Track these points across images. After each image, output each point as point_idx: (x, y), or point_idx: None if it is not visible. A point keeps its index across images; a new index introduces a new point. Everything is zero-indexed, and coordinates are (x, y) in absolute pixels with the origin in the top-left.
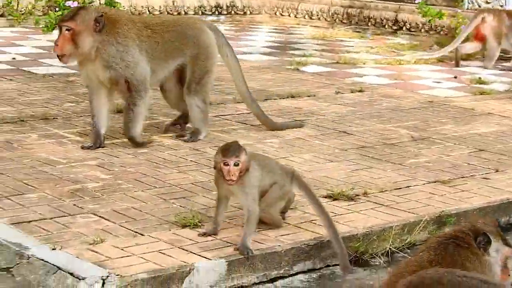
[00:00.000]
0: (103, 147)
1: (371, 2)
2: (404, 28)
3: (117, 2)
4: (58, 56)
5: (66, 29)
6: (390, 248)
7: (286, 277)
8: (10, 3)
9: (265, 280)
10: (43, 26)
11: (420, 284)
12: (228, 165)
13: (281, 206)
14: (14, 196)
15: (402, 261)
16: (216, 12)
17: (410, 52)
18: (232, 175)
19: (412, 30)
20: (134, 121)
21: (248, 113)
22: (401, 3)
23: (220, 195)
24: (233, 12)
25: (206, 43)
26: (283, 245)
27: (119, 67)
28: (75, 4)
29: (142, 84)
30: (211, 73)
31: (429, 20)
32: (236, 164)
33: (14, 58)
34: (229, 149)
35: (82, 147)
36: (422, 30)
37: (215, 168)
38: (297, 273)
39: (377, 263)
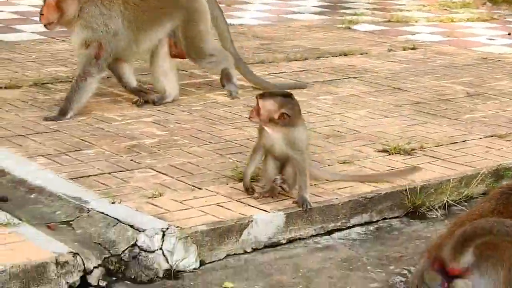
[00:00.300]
0: None
1: None
2: None
3: None
4: (44, 25)
5: None
6: (447, 201)
7: (343, 229)
8: None
9: (323, 232)
10: None
11: (473, 233)
12: (256, 104)
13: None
14: (72, 152)
15: (462, 212)
16: None
17: (463, 10)
18: (251, 111)
19: None
20: (78, 94)
21: (302, 70)
22: None
23: (263, 146)
24: None
25: (196, 7)
26: (340, 198)
27: (99, 29)
28: None
29: (109, 57)
30: (205, 35)
31: None
32: (258, 106)
33: None
34: (265, 92)
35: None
36: None
37: None
38: (354, 226)
39: (434, 216)
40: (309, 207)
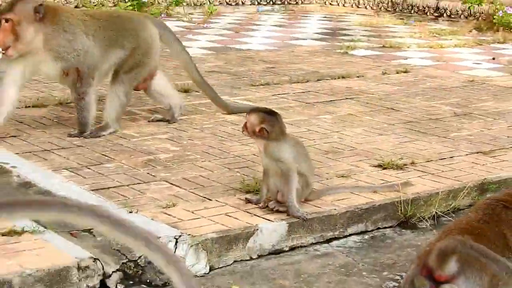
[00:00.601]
0: None
1: None
2: (444, 14)
3: None
4: (2, 52)
5: (5, 21)
6: (436, 212)
7: (340, 238)
8: None
9: (322, 240)
10: None
11: (449, 247)
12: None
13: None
14: (93, 166)
15: (450, 222)
16: (271, 2)
17: (451, 37)
18: (244, 126)
19: (452, 16)
20: (86, 110)
21: (303, 92)
22: None
23: (262, 165)
24: (286, 2)
25: (147, 38)
26: (338, 209)
27: (70, 56)
28: None
29: (92, 72)
30: (143, 67)
31: (469, 7)
32: (247, 121)
33: None
34: (253, 108)
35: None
36: (462, 16)
37: None
38: (350, 235)
39: (424, 226)
40: (303, 216)
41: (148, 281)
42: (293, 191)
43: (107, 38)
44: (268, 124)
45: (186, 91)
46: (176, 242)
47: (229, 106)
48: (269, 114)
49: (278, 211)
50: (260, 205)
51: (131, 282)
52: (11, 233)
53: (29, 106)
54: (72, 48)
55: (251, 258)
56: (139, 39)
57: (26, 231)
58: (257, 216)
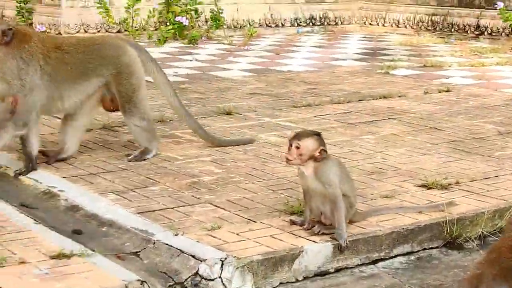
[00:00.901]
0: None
1: (454, 9)
2: (485, 33)
3: (222, 16)
4: None
5: None
6: (482, 232)
7: (386, 259)
8: (126, 20)
9: (367, 262)
10: (156, 39)
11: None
12: (291, 146)
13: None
14: (139, 189)
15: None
16: (310, 24)
17: (492, 55)
18: (289, 155)
19: (493, 34)
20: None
21: (345, 112)
22: (482, 10)
23: (302, 186)
24: (325, 23)
25: (127, 61)
26: (383, 230)
27: (14, 83)
28: (184, 19)
29: (24, 114)
30: (140, 89)
31: (510, 25)
32: (297, 147)
33: None
34: (299, 133)
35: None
36: (503, 34)
37: None
38: (396, 256)
39: (470, 246)
40: (344, 244)
41: None
42: (343, 217)
43: (77, 71)
44: (324, 146)
45: (228, 113)
46: (222, 264)
47: (215, 138)
48: (319, 135)
49: (323, 234)
50: (305, 226)
51: None
52: (60, 256)
53: None
54: (18, 77)
55: (297, 280)
56: (120, 65)
57: (75, 254)
58: (302, 237)
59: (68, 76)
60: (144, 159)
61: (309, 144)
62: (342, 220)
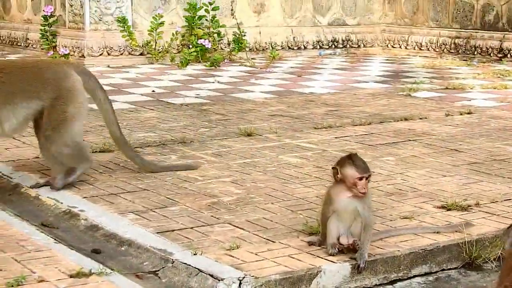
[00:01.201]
0: None
1: (477, 32)
2: (508, 55)
3: (244, 39)
4: None
5: None
6: (501, 254)
7: (404, 279)
8: (149, 43)
9: (385, 282)
10: (178, 62)
11: None
12: (363, 179)
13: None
14: (158, 209)
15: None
16: (333, 46)
17: None
18: (365, 188)
19: None
20: None
21: (366, 134)
22: (506, 33)
23: (330, 210)
24: (348, 45)
25: (68, 86)
26: (402, 250)
27: None
28: (207, 42)
29: None
30: (73, 119)
31: None
32: (368, 177)
33: (153, 91)
34: (364, 165)
35: None
36: None
37: (339, 180)
38: (414, 276)
39: (489, 267)
40: (362, 265)
41: None
42: (370, 240)
43: (12, 94)
44: None
45: (249, 134)
46: (240, 283)
47: (151, 164)
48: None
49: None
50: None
51: None
52: (79, 274)
53: (96, 151)
54: None
55: None
56: (60, 90)
57: (94, 273)
58: (320, 257)
59: (7, 99)
60: (68, 183)
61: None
62: (368, 243)
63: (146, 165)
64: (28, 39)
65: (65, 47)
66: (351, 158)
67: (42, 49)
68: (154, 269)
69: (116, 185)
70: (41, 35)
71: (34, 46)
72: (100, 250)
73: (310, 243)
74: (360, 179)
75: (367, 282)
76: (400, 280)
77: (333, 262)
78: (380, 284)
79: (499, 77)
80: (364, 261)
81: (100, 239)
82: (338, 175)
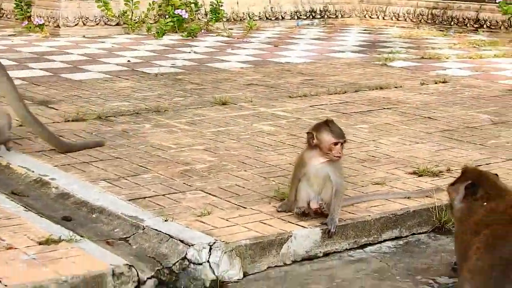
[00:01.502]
0: None
1: (454, 3)
2: (484, 26)
3: (221, 9)
4: None
5: None
6: (450, 208)
7: (375, 243)
8: (126, 13)
9: (356, 246)
10: (155, 32)
11: None
12: (338, 144)
13: None
14: (130, 177)
15: None
16: (311, 17)
17: (490, 48)
18: (340, 153)
19: (492, 27)
20: None
21: (341, 102)
22: (482, 3)
23: (302, 173)
24: (326, 16)
25: None
26: (372, 215)
27: None
28: (183, 12)
29: None
30: None
31: (509, 18)
32: (343, 143)
33: (129, 61)
34: (340, 131)
35: None
36: (502, 27)
37: (313, 145)
38: (385, 240)
39: None
40: (333, 230)
41: (182, 287)
42: (340, 206)
43: None
44: None
45: (223, 103)
46: (210, 249)
47: (64, 143)
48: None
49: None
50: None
51: None
52: (49, 241)
53: (69, 120)
54: None
55: (285, 264)
56: None
57: (63, 240)
58: (291, 223)
59: None
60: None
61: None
62: (339, 208)
63: (57, 143)
64: (2, 9)
65: (40, 17)
66: (327, 124)
67: (17, 19)
68: (124, 236)
69: (89, 154)
70: (15, 5)
71: (8, 16)
72: (70, 217)
73: (280, 209)
74: (336, 144)
75: (337, 247)
76: (370, 244)
77: (304, 227)
78: (350, 249)
79: (474, 47)
80: (335, 226)
81: (71, 206)
82: (313, 140)
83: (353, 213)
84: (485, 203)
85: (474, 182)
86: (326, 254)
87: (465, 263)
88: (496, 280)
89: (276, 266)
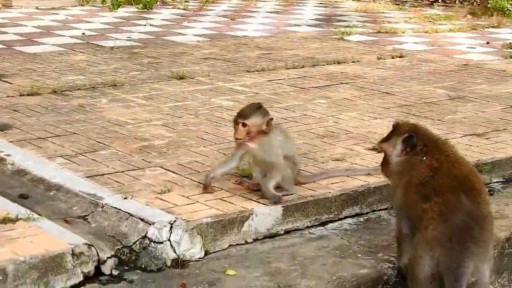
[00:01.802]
0: None
1: None
2: (439, 0)
3: None
4: None
5: None
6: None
7: (335, 220)
8: None
9: (317, 224)
10: (110, 4)
11: None
12: (237, 124)
13: (278, 182)
14: (88, 153)
15: None
16: None
17: (446, 22)
18: (239, 134)
19: (447, 1)
20: None
21: (299, 77)
22: None
23: (235, 153)
24: None
25: None
26: (333, 192)
27: None
28: None
29: None
30: None
31: None
32: (243, 125)
33: (83, 33)
34: (243, 112)
35: None
36: (457, 2)
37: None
38: (345, 217)
39: None
40: (274, 200)
41: (143, 266)
42: (273, 182)
43: None
44: (269, 114)
45: (181, 78)
46: (171, 227)
47: None
48: (261, 107)
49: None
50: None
51: (126, 267)
52: (5, 220)
53: (23, 94)
54: None
55: (246, 242)
56: None
57: (20, 219)
58: (253, 200)
59: None
60: None
61: (255, 121)
62: (272, 182)
63: None
64: None
65: None
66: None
67: None
68: (83, 214)
69: (45, 129)
70: None
71: None
72: (27, 195)
73: (240, 182)
74: (237, 124)
75: (298, 224)
76: (331, 221)
77: (265, 204)
78: (312, 226)
79: (430, 21)
80: (271, 196)
81: (27, 184)
82: None
83: (313, 190)
84: (424, 157)
85: (412, 134)
86: (287, 232)
87: (419, 232)
88: (454, 250)
89: (237, 244)
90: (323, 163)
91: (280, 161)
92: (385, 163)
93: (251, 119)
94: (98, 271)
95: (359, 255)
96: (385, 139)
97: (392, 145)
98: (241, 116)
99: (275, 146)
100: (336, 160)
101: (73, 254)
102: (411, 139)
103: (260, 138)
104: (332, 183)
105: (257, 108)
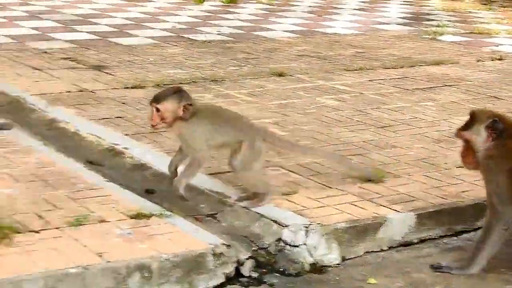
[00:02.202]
0: None
1: None
2: None
3: None
4: None
5: None
6: None
7: (470, 231)
8: None
9: (450, 233)
10: None
11: None
12: (153, 109)
13: (257, 167)
14: None
15: None
16: None
17: None
18: (152, 120)
19: None
20: None
21: (400, 78)
22: None
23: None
24: None
25: None
26: (466, 201)
27: None
28: None
29: None
30: None
31: None
32: (157, 110)
33: (174, 26)
34: (157, 94)
35: None
36: None
37: None
38: (480, 228)
39: None
40: (179, 193)
41: (281, 269)
42: (188, 176)
43: None
44: (188, 100)
45: (280, 75)
46: (307, 231)
47: None
48: (180, 91)
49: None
50: None
51: (264, 270)
52: (140, 216)
53: (128, 87)
54: None
55: (382, 250)
56: None
57: (153, 215)
58: (383, 206)
59: None
60: None
61: (168, 106)
62: (185, 175)
63: None
64: None
65: None
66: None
67: None
68: (212, 212)
69: None
70: None
71: None
72: (154, 190)
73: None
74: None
75: (431, 233)
76: (465, 231)
77: (398, 211)
78: (445, 236)
79: None
80: (176, 189)
81: (150, 178)
82: None
83: (445, 198)
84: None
85: (496, 119)
86: (422, 241)
87: None
88: None
89: (372, 251)
90: (446, 169)
91: (201, 152)
92: (468, 153)
93: (164, 103)
94: (237, 272)
95: (502, 269)
96: (465, 128)
97: (476, 132)
98: (154, 99)
99: (195, 134)
100: (460, 167)
101: (214, 254)
102: (497, 124)
103: (179, 125)
104: (462, 192)
105: (174, 92)
